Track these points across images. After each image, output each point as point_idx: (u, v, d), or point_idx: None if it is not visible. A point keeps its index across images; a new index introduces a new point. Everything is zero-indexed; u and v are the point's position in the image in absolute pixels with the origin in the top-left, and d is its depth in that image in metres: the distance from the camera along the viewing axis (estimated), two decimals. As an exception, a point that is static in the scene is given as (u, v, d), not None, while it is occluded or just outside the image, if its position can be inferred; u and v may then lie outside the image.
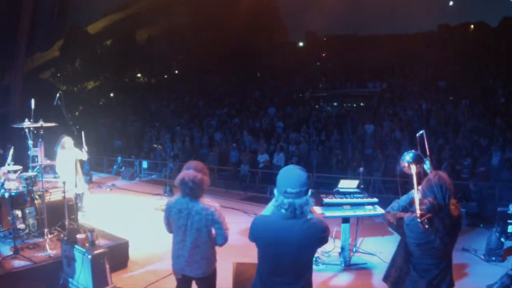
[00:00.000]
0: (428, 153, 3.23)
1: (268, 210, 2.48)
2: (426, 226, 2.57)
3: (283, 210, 2.30)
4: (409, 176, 3.06)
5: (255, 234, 2.43)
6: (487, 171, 10.01)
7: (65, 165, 6.71)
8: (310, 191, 2.33)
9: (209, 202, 3.16)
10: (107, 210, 8.41)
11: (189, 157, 14.44)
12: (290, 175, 2.31)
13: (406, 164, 3.09)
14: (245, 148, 13.89)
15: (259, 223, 2.44)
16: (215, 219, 3.09)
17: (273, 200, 2.39)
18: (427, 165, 3.18)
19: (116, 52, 30.40)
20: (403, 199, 3.03)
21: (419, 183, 2.87)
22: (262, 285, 2.43)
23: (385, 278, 3.05)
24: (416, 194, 2.77)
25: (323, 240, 2.37)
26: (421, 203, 2.67)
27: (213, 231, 3.15)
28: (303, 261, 2.36)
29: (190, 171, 3.12)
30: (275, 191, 2.38)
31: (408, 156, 3.11)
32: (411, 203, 2.94)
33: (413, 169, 3.00)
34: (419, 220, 2.58)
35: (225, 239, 3.18)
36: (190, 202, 3.11)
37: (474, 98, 15.68)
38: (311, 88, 22.47)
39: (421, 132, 3.52)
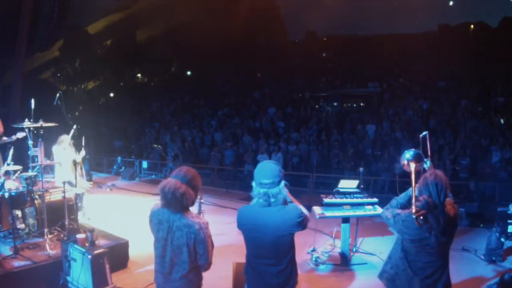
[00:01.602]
0: (429, 153, 3.25)
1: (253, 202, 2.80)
2: (421, 222, 2.63)
3: (260, 200, 2.64)
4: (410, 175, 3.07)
5: (239, 222, 2.77)
6: (492, 172, 10.01)
7: (63, 163, 6.68)
8: (283, 182, 2.64)
9: (193, 218, 2.72)
10: (107, 210, 8.41)
11: (189, 157, 14.46)
12: (264, 168, 2.66)
13: (406, 162, 3.12)
14: (247, 148, 13.89)
15: (242, 212, 2.79)
16: (199, 238, 2.67)
17: (252, 191, 2.71)
18: (427, 165, 3.20)
19: (116, 52, 30.38)
20: (402, 196, 3.07)
21: (417, 181, 2.90)
22: (250, 268, 2.80)
23: (381, 275, 3.08)
24: (413, 191, 2.82)
25: (299, 225, 2.63)
26: (416, 200, 2.72)
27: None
28: (281, 244, 2.65)
29: (173, 180, 2.69)
30: (253, 184, 2.69)
31: (408, 154, 3.16)
32: (410, 200, 2.97)
33: (412, 167, 3.05)
34: (414, 216, 2.63)
35: (206, 261, 2.77)
36: (171, 214, 2.71)
37: (474, 98, 15.68)
38: (311, 88, 22.46)
39: (424, 133, 3.56)
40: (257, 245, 2.70)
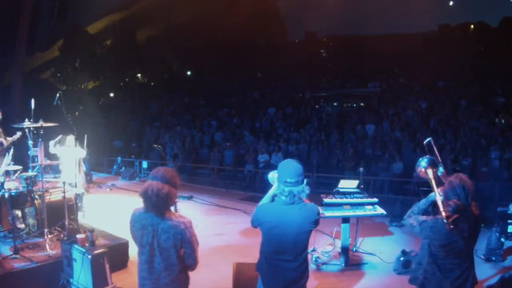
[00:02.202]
0: (439, 159, 3.25)
1: (265, 200, 2.90)
2: (452, 227, 2.64)
3: (283, 197, 2.71)
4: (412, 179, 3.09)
5: (260, 219, 2.80)
6: (489, 171, 10.01)
7: (65, 163, 6.73)
8: (306, 180, 2.74)
9: (178, 218, 2.68)
10: (107, 210, 8.41)
11: (189, 157, 14.47)
12: (289, 167, 2.74)
13: (423, 170, 3.12)
14: (249, 148, 13.89)
15: (262, 209, 2.83)
16: (186, 238, 2.65)
17: (274, 189, 2.83)
18: (440, 171, 3.20)
19: (116, 52, 30.38)
20: (423, 202, 3.07)
21: (423, 186, 2.92)
22: (267, 264, 2.80)
23: (412, 281, 3.10)
24: (438, 196, 2.83)
25: (317, 222, 2.79)
26: (445, 205, 2.73)
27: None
28: (301, 240, 2.76)
29: (154, 182, 2.63)
30: (272, 181, 2.85)
31: (423, 162, 3.15)
32: (430, 206, 3.00)
33: (430, 173, 3.06)
34: (445, 221, 2.64)
35: (194, 260, 2.73)
36: (155, 217, 2.66)
37: (474, 98, 15.69)
38: (311, 88, 22.46)
39: (428, 139, 3.55)
40: (279, 242, 2.75)
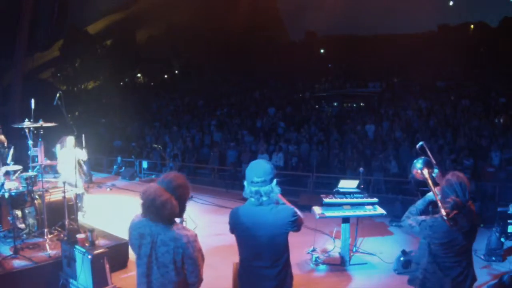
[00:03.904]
0: (434, 161, 3.27)
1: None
2: (452, 224, 2.65)
3: (252, 198, 2.61)
4: (410, 181, 3.11)
5: (232, 222, 2.69)
6: (495, 171, 10.01)
7: (66, 164, 6.74)
8: (275, 180, 2.59)
9: (180, 230, 2.37)
10: (107, 210, 8.41)
11: (189, 157, 14.46)
12: (256, 167, 2.62)
13: (419, 171, 3.14)
14: (245, 148, 13.89)
15: (235, 212, 2.71)
16: (188, 253, 2.33)
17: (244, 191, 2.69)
18: (435, 172, 3.22)
19: (116, 52, 30.41)
20: (420, 203, 3.08)
21: (421, 187, 2.93)
22: (243, 271, 2.68)
23: (411, 281, 3.10)
24: (436, 196, 2.85)
25: (293, 224, 2.57)
26: (443, 203, 2.74)
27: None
28: (276, 244, 2.58)
29: (155, 186, 2.37)
30: (245, 183, 2.66)
31: (418, 163, 3.17)
32: (430, 206, 3.01)
33: (426, 174, 3.07)
34: (445, 218, 2.65)
35: (197, 278, 2.42)
36: (154, 226, 2.37)
37: (474, 98, 15.69)
38: (311, 88, 22.48)
39: (420, 143, 3.55)
40: (253, 246, 2.61)
